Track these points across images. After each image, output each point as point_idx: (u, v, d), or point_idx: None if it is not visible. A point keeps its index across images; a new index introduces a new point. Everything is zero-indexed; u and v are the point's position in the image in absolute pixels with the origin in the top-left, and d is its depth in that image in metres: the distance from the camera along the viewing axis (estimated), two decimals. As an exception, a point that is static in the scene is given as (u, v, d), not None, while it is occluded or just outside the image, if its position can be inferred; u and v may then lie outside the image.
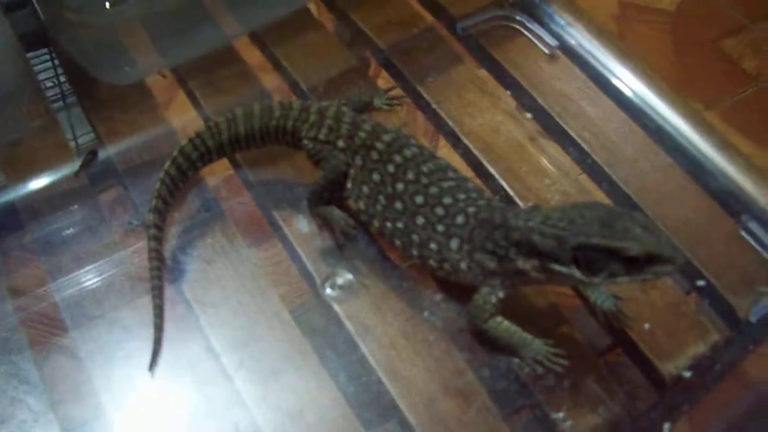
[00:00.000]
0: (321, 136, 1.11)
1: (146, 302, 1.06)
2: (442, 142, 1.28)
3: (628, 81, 1.35)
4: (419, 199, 1.03)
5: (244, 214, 1.18)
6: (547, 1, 1.45)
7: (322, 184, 1.10)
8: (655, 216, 1.17)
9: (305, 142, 1.13)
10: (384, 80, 1.37)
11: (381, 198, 1.06)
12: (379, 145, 1.07)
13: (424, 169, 1.04)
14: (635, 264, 0.88)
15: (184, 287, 1.10)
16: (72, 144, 1.34)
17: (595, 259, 0.90)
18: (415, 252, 1.04)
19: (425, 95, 1.32)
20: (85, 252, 1.15)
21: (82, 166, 1.22)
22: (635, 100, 1.33)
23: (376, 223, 1.07)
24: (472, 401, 1.00)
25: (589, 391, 1.01)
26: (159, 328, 1.04)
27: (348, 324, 1.06)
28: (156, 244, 1.08)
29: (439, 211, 1.01)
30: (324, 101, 1.20)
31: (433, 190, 1.03)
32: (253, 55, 1.39)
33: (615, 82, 1.35)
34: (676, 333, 1.07)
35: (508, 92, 1.34)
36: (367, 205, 1.08)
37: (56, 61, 1.41)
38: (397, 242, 1.05)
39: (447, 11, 1.47)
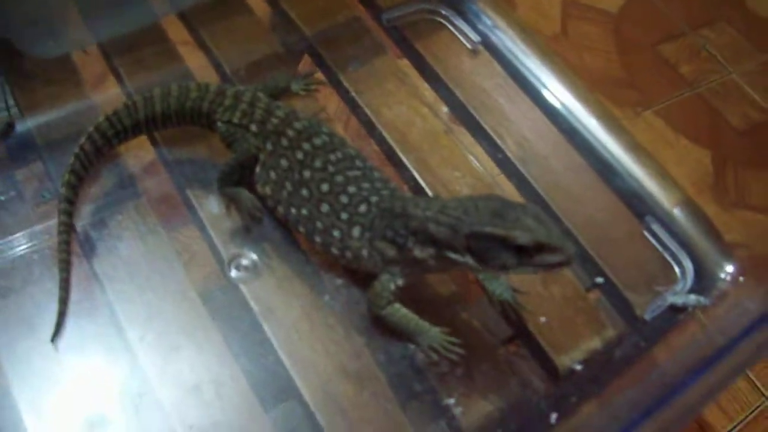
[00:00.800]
0: (234, 120, 1.12)
1: (54, 278, 1.07)
2: (358, 130, 1.30)
3: (546, 80, 1.39)
4: (325, 187, 1.05)
5: (158, 193, 1.19)
6: (473, -2, 1.49)
7: (232, 165, 1.12)
8: (562, 213, 1.21)
9: (219, 124, 1.14)
10: (306, 67, 1.39)
11: (288, 184, 1.07)
12: (290, 132, 1.09)
13: (332, 157, 1.07)
14: (525, 253, 0.90)
15: (94, 262, 1.11)
16: (2, 114, 1.33)
17: (487, 247, 0.92)
18: (318, 239, 1.06)
19: (345, 84, 1.34)
20: (-2, 225, 1.15)
21: (-1, 137, 1.22)
22: (551, 99, 1.37)
23: (281, 209, 1.09)
24: (367, 384, 1.03)
25: (482, 379, 1.05)
26: (63, 302, 1.05)
27: (253, 305, 1.08)
28: (66, 218, 1.09)
29: (344, 199, 1.04)
30: (244, 85, 1.21)
31: (339, 178, 1.05)
32: (179, 34, 1.39)
33: (533, 81, 1.39)
34: (573, 327, 1.11)
35: (428, 84, 1.37)
36: (274, 190, 1.09)
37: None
38: (301, 229, 1.07)
39: (374, 2, 1.49)
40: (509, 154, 1.27)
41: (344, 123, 1.32)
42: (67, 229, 1.09)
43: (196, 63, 1.35)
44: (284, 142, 1.09)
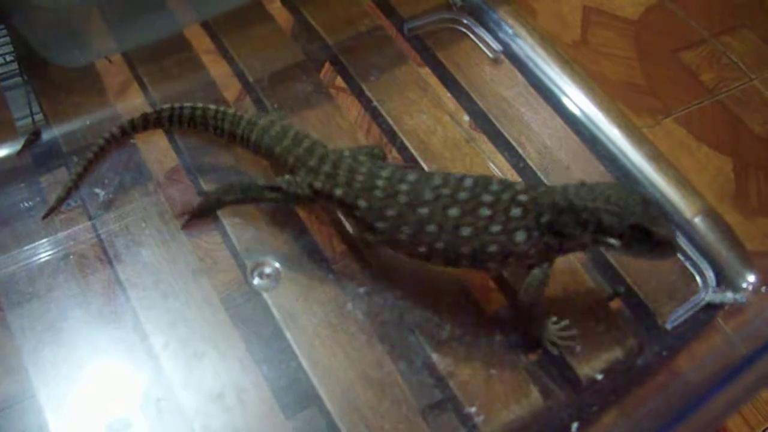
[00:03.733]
0: (317, 184, 1.09)
1: (79, 284, 1.09)
2: (379, 139, 1.31)
3: (566, 89, 1.39)
4: (454, 212, 1.01)
5: (182, 201, 1.19)
6: (494, 7, 1.49)
7: (244, 192, 1.15)
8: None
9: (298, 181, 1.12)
10: (327, 75, 1.40)
11: (405, 229, 1.02)
12: (379, 182, 1.05)
13: (436, 182, 1.03)
14: (656, 246, 0.99)
15: (118, 268, 1.12)
16: (28, 121, 1.34)
17: (637, 238, 0.99)
18: (465, 263, 1.03)
19: (367, 92, 1.35)
20: (24, 231, 1.16)
21: (24, 146, 1.24)
22: (572, 108, 1.37)
23: (405, 251, 1.06)
24: (388, 392, 1.03)
25: (503, 388, 1.05)
26: (68, 190, 1.17)
27: (275, 312, 1.09)
28: (119, 132, 1.21)
29: (485, 212, 1.01)
30: (266, 93, 1.23)
31: (463, 195, 1.01)
32: (202, 43, 1.41)
33: (554, 89, 1.39)
34: (594, 336, 1.11)
35: (449, 93, 1.38)
36: (389, 238, 1.05)
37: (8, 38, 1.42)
38: (439, 261, 1.04)
39: (396, 11, 1.50)
40: (530, 163, 1.27)
41: (365, 131, 1.33)
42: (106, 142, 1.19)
43: (219, 72, 1.36)
44: (378, 193, 1.05)
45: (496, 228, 0.99)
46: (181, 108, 1.19)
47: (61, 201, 1.16)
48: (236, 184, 1.14)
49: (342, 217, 1.17)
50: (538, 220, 1.00)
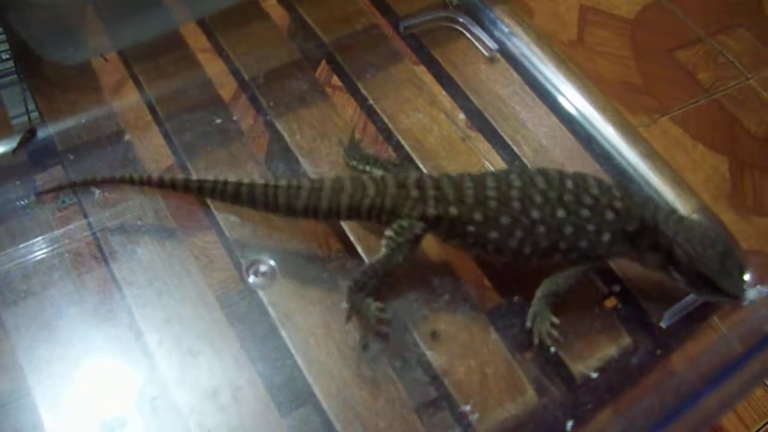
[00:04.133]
0: (429, 211, 1.06)
1: (74, 282, 1.09)
2: (375, 137, 1.31)
3: (562, 87, 1.39)
4: (561, 213, 1.05)
5: (177, 199, 1.19)
6: (490, 6, 1.49)
7: (378, 270, 1.07)
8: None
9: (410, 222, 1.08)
10: (324, 74, 1.40)
11: (517, 232, 1.04)
12: (490, 193, 1.06)
13: (541, 186, 1.06)
14: (720, 294, 1.05)
15: (113, 266, 1.12)
16: (24, 119, 1.34)
17: (703, 283, 1.05)
18: (558, 256, 1.07)
19: (363, 90, 1.35)
20: (19, 229, 1.16)
21: (20, 144, 1.23)
22: (567, 106, 1.37)
23: (508, 257, 1.07)
24: (383, 391, 1.03)
25: (498, 386, 1.05)
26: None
27: (270, 310, 1.09)
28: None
29: (584, 213, 1.05)
30: (262, 91, 1.22)
31: (568, 197, 1.05)
32: (198, 41, 1.40)
33: (549, 88, 1.39)
34: (589, 335, 1.11)
35: (445, 92, 1.38)
36: (498, 246, 1.06)
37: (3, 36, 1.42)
38: (535, 258, 1.07)
39: (392, 9, 1.50)
40: (525, 161, 1.28)
41: (361, 130, 1.33)
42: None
43: (215, 70, 1.36)
44: (492, 204, 1.05)
45: (591, 227, 1.05)
46: (225, 183, 1.09)
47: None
48: (367, 271, 1.07)
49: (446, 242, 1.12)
50: (624, 228, 1.06)
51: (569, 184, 1.06)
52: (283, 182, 1.08)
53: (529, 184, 1.06)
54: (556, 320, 1.08)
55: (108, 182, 1.17)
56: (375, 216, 1.08)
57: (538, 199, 1.04)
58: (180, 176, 1.12)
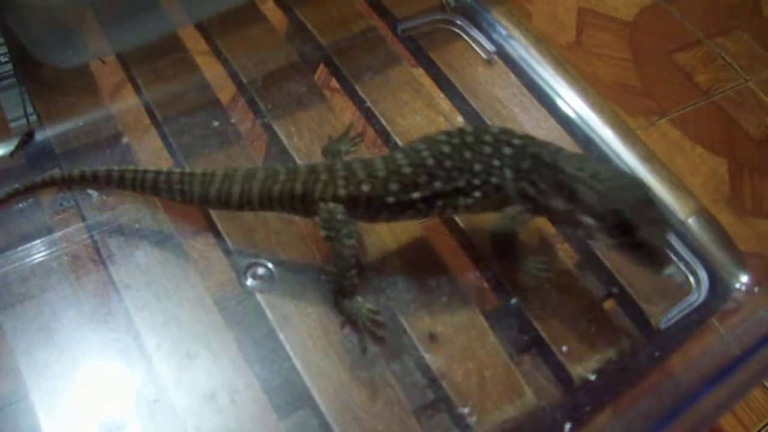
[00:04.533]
0: (340, 192, 1.06)
1: (72, 285, 1.09)
2: (373, 140, 1.31)
3: (560, 90, 1.39)
4: (468, 155, 1.07)
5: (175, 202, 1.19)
6: (488, 8, 1.49)
7: (344, 272, 1.07)
8: (576, 221, 1.21)
9: (321, 205, 1.07)
10: (322, 77, 1.40)
11: (437, 183, 1.06)
12: (401, 160, 1.07)
13: (443, 137, 1.09)
14: (639, 248, 0.97)
15: (111, 270, 1.11)
16: (22, 122, 1.34)
17: (619, 228, 0.97)
18: (476, 194, 1.07)
19: (361, 93, 1.35)
20: (17, 232, 1.16)
21: (18, 147, 1.23)
22: (566, 108, 1.37)
23: (439, 202, 1.08)
24: (381, 393, 1.03)
25: (496, 388, 1.05)
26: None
27: (268, 313, 1.09)
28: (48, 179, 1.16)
29: (487, 149, 1.07)
30: (260, 94, 1.22)
31: (470, 138, 1.08)
32: (196, 44, 1.40)
33: (548, 90, 1.39)
34: (587, 336, 1.11)
35: (443, 94, 1.38)
36: (427, 203, 1.07)
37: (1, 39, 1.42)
38: (461, 200, 1.08)
39: (389, 12, 1.50)
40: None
41: (359, 132, 1.33)
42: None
43: (213, 73, 1.36)
44: (406, 170, 1.06)
45: (496, 162, 1.06)
46: (145, 172, 1.12)
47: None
48: (332, 275, 1.09)
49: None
50: (519, 163, 1.05)
51: (468, 129, 1.10)
52: (198, 170, 1.10)
53: (434, 142, 1.08)
54: (540, 259, 1.14)
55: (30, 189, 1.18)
56: (288, 203, 1.08)
57: (446, 149, 1.06)
58: (102, 168, 1.14)
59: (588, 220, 1.00)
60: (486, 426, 1.03)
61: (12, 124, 1.29)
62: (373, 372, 1.05)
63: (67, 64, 1.37)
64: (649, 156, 1.31)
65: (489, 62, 1.43)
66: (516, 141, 1.07)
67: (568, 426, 1.03)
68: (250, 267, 1.13)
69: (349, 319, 1.08)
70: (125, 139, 1.25)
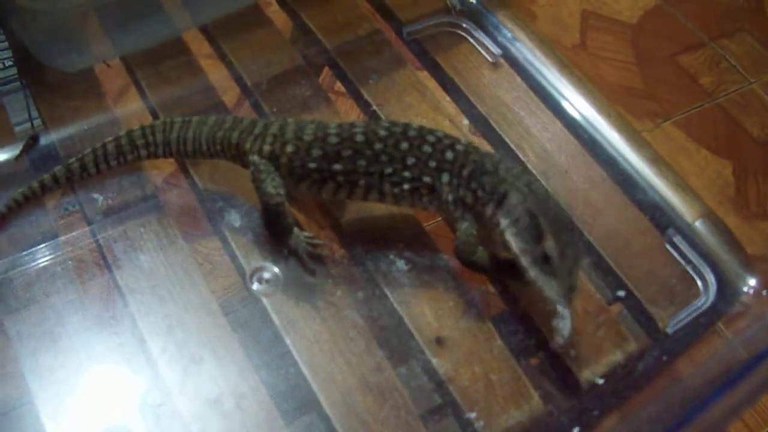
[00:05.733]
0: (266, 147, 1.11)
1: (77, 289, 1.09)
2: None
3: (566, 92, 1.39)
4: (404, 145, 1.07)
5: (180, 205, 1.19)
6: (493, 11, 1.49)
7: (274, 210, 1.11)
8: (582, 225, 1.21)
9: (250, 158, 1.12)
10: (327, 80, 1.40)
11: (361, 162, 1.08)
12: (332, 130, 1.10)
13: (386, 124, 1.10)
14: (543, 263, 0.99)
15: (116, 274, 1.11)
16: (27, 126, 1.34)
17: (528, 230, 1.00)
18: (406, 186, 1.08)
19: (366, 96, 1.35)
20: (22, 236, 1.16)
21: (22, 151, 1.23)
22: (571, 111, 1.37)
23: (362, 181, 1.09)
24: (388, 397, 1.03)
25: (503, 393, 1.05)
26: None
27: (274, 317, 1.08)
28: (38, 188, 1.15)
29: (427, 149, 1.07)
30: (264, 97, 1.22)
31: (412, 132, 1.09)
32: (201, 48, 1.40)
33: (553, 93, 1.39)
34: (594, 340, 1.11)
35: (449, 97, 1.38)
36: (347, 174, 1.09)
37: (6, 43, 1.42)
38: (387, 187, 1.09)
39: (395, 15, 1.49)
40: (530, 167, 1.27)
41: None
42: (28, 194, 1.15)
43: (218, 76, 1.36)
44: (333, 139, 1.09)
45: (432, 164, 1.07)
46: (104, 144, 1.16)
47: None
48: (264, 218, 1.15)
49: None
50: (460, 170, 1.06)
51: (416, 126, 1.10)
52: (158, 121, 1.17)
53: (376, 125, 1.10)
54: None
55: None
56: (227, 151, 1.14)
57: (382, 132, 1.08)
58: (61, 166, 1.16)
59: (504, 220, 1.03)
60: (493, 430, 1.02)
61: (17, 128, 1.29)
62: (380, 376, 1.04)
63: (72, 67, 1.37)
64: (655, 158, 1.31)
65: (494, 65, 1.43)
66: (459, 147, 1.08)
67: (575, 430, 1.02)
68: (256, 271, 1.12)
69: (292, 251, 1.12)
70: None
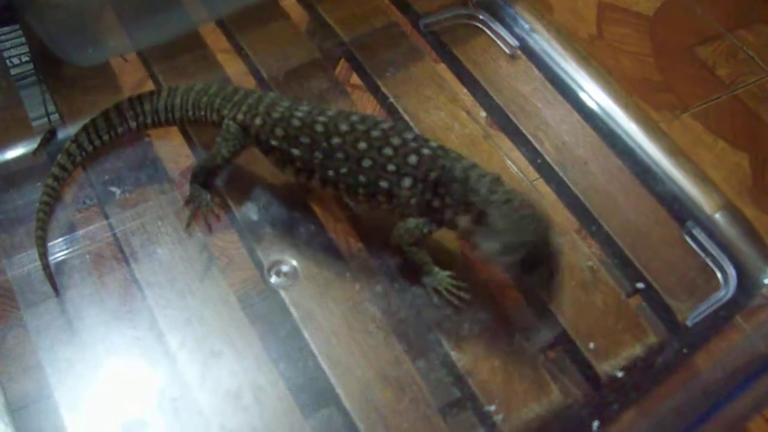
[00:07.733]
0: (239, 116, 1.13)
1: (95, 283, 1.09)
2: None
3: (583, 84, 1.38)
4: (363, 145, 1.05)
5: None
6: (510, 2, 1.48)
7: (217, 161, 1.15)
8: (601, 217, 1.20)
9: (225, 122, 1.15)
10: (343, 72, 1.39)
11: (317, 154, 1.07)
12: (298, 113, 1.10)
13: (355, 118, 1.08)
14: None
15: (134, 268, 1.11)
16: (44, 120, 1.34)
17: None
18: (361, 191, 1.07)
19: (383, 89, 1.34)
20: (40, 230, 1.16)
21: (40, 145, 1.23)
22: (589, 103, 1.36)
23: (317, 175, 1.09)
24: (407, 391, 1.02)
25: (522, 386, 1.04)
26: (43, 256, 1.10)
27: (292, 310, 1.08)
28: (53, 182, 1.15)
29: (388, 151, 1.05)
30: (281, 89, 1.22)
31: (376, 133, 1.06)
32: (217, 41, 1.40)
33: (571, 84, 1.38)
34: (614, 333, 1.10)
35: (466, 89, 1.37)
36: (304, 163, 1.09)
37: (23, 39, 1.42)
38: (342, 186, 1.08)
39: (411, 7, 1.49)
40: (548, 159, 1.27)
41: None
42: (52, 192, 1.15)
43: (235, 69, 1.36)
44: (296, 123, 1.09)
45: (391, 167, 1.04)
46: (93, 120, 1.19)
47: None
48: (198, 165, 1.17)
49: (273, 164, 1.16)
50: (426, 175, 1.03)
51: (384, 126, 1.07)
52: (146, 92, 1.20)
53: (342, 117, 1.09)
54: (456, 281, 1.10)
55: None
56: (209, 115, 1.18)
57: (344, 127, 1.07)
58: (60, 153, 1.17)
59: (489, 245, 0.99)
60: (512, 424, 1.02)
61: (34, 123, 1.29)
62: (399, 370, 1.04)
63: (88, 62, 1.37)
64: (674, 150, 1.29)
65: (512, 57, 1.42)
66: (426, 151, 1.05)
67: (595, 424, 1.02)
68: (273, 264, 1.12)
69: (193, 200, 1.16)
70: (147, 137, 1.25)
